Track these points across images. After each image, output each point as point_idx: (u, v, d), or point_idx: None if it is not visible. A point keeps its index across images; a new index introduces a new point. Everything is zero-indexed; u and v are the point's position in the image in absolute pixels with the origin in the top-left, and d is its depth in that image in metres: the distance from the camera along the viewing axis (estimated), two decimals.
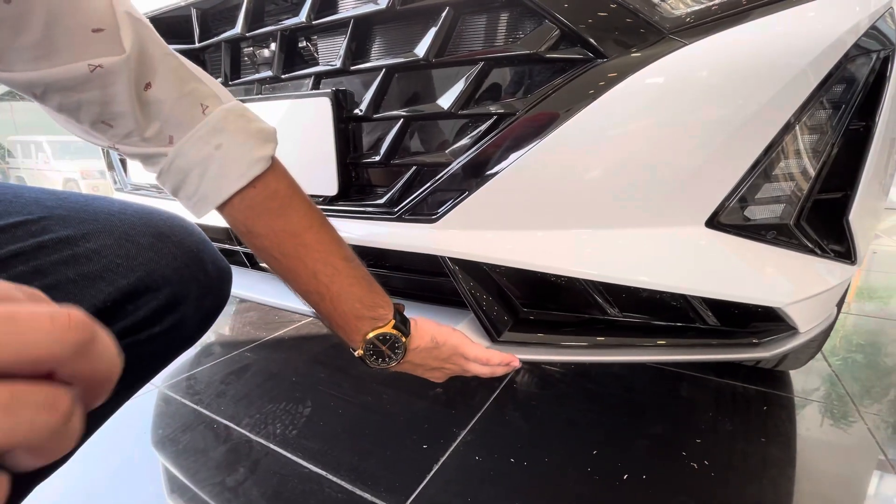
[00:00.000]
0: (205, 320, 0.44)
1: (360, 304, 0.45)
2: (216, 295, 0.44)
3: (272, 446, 0.76)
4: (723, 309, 0.54)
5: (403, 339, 0.46)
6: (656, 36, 0.47)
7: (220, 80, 0.67)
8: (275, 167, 0.41)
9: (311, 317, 0.60)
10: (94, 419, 0.42)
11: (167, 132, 0.38)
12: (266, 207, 0.41)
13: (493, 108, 0.50)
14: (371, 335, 0.45)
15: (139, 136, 0.38)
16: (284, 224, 0.42)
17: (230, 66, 0.66)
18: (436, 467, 0.71)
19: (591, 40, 0.47)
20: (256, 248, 0.42)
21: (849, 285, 0.72)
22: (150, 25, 0.38)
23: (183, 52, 0.70)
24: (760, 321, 0.56)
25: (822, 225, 0.54)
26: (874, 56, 0.49)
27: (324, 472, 0.70)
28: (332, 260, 0.43)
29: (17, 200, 0.37)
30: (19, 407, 0.13)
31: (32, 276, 0.34)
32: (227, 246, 0.77)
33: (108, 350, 0.16)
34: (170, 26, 0.71)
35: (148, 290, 0.38)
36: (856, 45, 0.48)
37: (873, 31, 0.49)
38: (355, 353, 0.47)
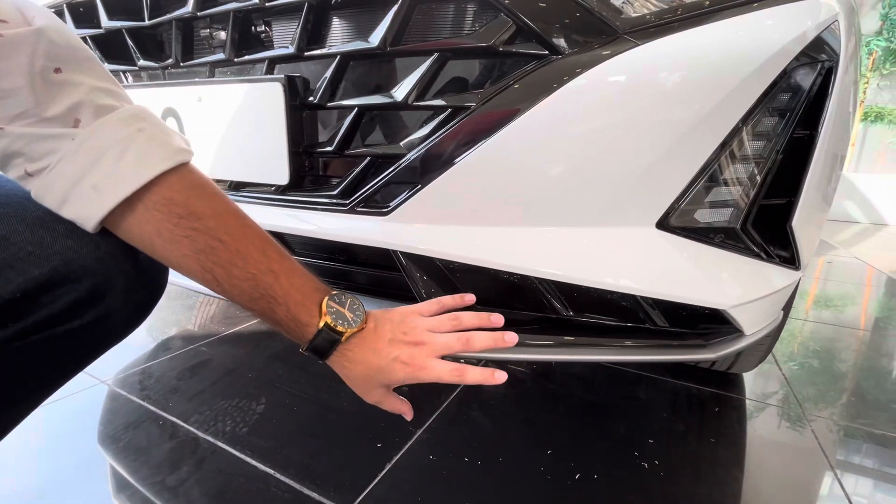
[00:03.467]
0: (135, 314, 0.41)
1: (309, 276, 0.42)
2: (148, 288, 0.41)
3: (220, 444, 0.74)
4: (671, 310, 0.55)
5: (358, 300, 0.44)
6: (610, 35, 0.47)
7: (170, 60, 0.64)
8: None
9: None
10: (11, 414, 0.40)
11: (74, 115, 0.33)
12: (206, 188, 0.38)
13: (447, 101, 0.49)
14: (326, 300, 0.42)
15: (37, 115, 0.32)
16: (226, 205, 0.39)
17: (182, 46, 0.63)
18: (388, 466, 0.70)
19: (546, 36, 0.46)
20: (197, 231, 0.36)
21: (796, 290, 0.74)
22: (67, 27, 0.35)
23: (132, 30, 0.68)
24: (707, 323, 0.57)
25: (767, 230, 0.55)
26: (819, 66, 0.51)
27: (272, 471, 0.68)
28: (271, 240, 0.41)
29: None
30: None
31: None
32: None
33: None
34: (119, 2, 0.68)
35: (65, 282, 0.34)
36: (801, 55, 0.49)
37: (819, 42, 0.51)
38: (318, 325, 0.41)
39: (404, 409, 0.49)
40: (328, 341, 0.42)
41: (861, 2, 4.04)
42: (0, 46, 0.30)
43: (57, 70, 0.33)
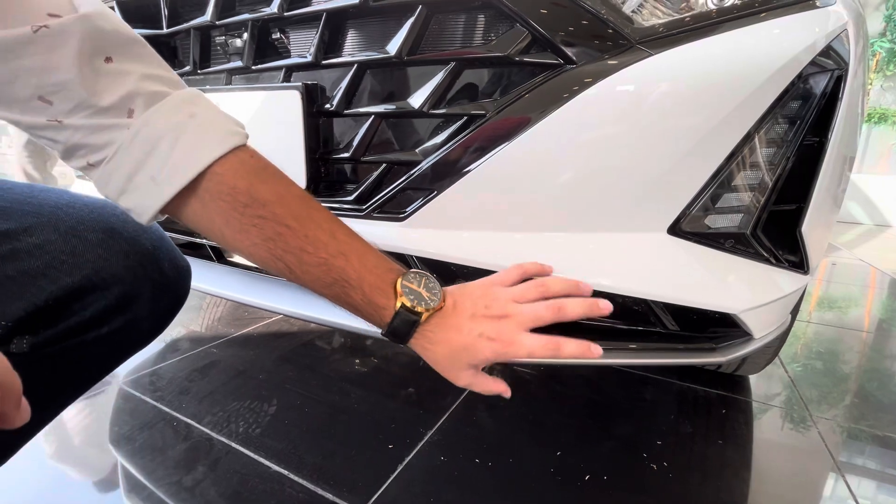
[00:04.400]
0: (160, 320, 0.43)
1: (381, 256, 0.40)
2: (172, 294, 0.42)
3: (234, 445, 0.75)
4: (682, 314, 0.56)
5: (433, 278, 0.40)
6: (623, 45, 0.48)
7: (188, 67, 0.65)
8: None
9: (280, 314, 0.57)
10: (40, 416, 0.41)
11: (128, 105, 0.32)
12: (267, 171, 0.36)
13: (462, 109, 0.50)
14: (400, 280, 0.39)
15: (92, 107, 0.31)
16: (289, 187, 0.37)
17: (199, 54, 0.64)
18: (400, 467, 0.70)
19: (561, 46, 0.47)
20: (264, 219, 0.35)
21: (803, 293, 0.75)
22: (118, 15, 0.34)
23: (150, 38, 0.68)
24: (717, 327, 0.58)
25: (777, 235, 0.56)
26: (829, 74, 0.52)
27: (286, 472, 0.69)
28: (337, 220, 0.39)
29: None
30: None
31: None
32: (192, 239, 0.75)
33: (2, 364, 0.17)
34: (138, 10, 0.69)
35: (96, 289, 0.36)
36: (811, 64, 0.50)
37: (829, 51, 0.51)
38: (395, 308, 0.38)
39: (500, 388, 0.43)
40: (407, 323, 0.38)
41: (865, 3, 4.04)
42: (48, 37, 0.29)
43: (108, 59, 0.32)
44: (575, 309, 0.40)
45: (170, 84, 0.35)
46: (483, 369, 0.42)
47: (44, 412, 0.40)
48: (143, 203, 0.34)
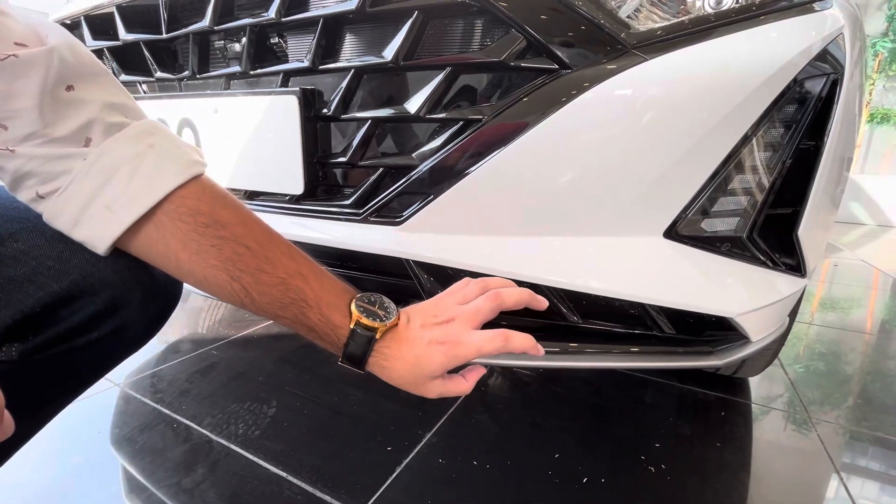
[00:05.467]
0: (151, 325, 0.42)
1: (336, 279, 0.41)
2: (164, 298, 0.41)
3: (233, 447, 0.75)
4: (678, 318, 0.56)
5: (387, 299, 0.41)
6: (619, 50, 0.48)
7: (187, 72, 0.66)
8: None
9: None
10: (33, 422, 0.41)
11: (86, 134, 0.32)
12: (228, 198, 0.37)
13: (458, 114, 0.51)
14: (355, 300, 0.40)
15: (45, 136, 0.31)
16: (249, 213, 0.38)
17: (198, 59, 0.64)
18: (398, 469, 0.71)
19: (556, 51, 0.47)
20: (223, 240, 0.35)
21: (801, 296, 0.75)
22: (81, 44, 0.34)
23: (150, 43, 0.69)
24: (714, 330, 0.58)
25: (774, 239, 0.56)
26: (825, 78, 0.52)
27: (284, 474, 0.69)
28: (295, 247, 0.40)
29: None
30: None
31: None
32: None
33: None
34: (137, 15, 0.69)
35: (84, 295, 0.35)
36: (807, 67, 0.50)
37: (825, 54, 0.52)
38: (350, 325, 0.39)
39: (473, 377, 0.43)
40: (364, 339, 0.39)
41: (867, 3, 4.02)
42: (13, 66, 0.30)
43: (69, 88, 0.32)
44: (512, 296, 0.40)
45: (131, 114, 0.35)
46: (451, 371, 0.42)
47: (34, 419, 0.40)
48: (97, 234, 0.34)
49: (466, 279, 0.44)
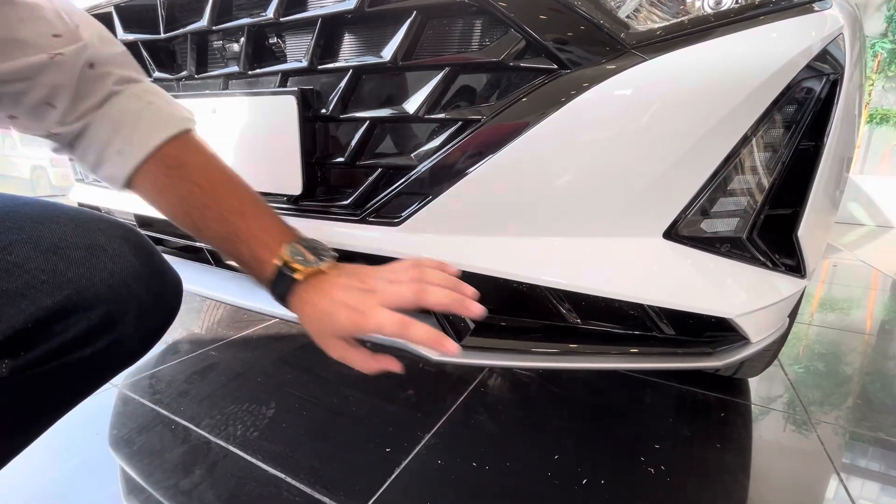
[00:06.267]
0: (147, 339, 0.42)
1: (281, 222, 0.44)
2: (161, 313, 0.41)
3: (231, 448, 0.75)
4: (678, 319, 0.55)
5: (332, 252, 0.44)
6: (618, 50, 0.48)
7: (185, 72, 0.66)
8: None
9: (278, 318, 0.56)
10: (26, 435, 0.40)
11: (106, 100, 0.42)
12: (201, 146, 0.44)
13: (457, 114, 0.50)
14: (291, 242, 0.42)
15: (76, 109, 0.40)
16: (215, 160, 0.45)
17: (197, 59, 0.64)
18: (397, 471, 0.70)
19: (555, 51, 0.47)
20: (181, 178, 0.42)
21: (801, 297, 0.75)
22: (103, 28, 0.43)
23: (148, 43, 0.69)
24: (714, 331, 0.58)
25: (774, 239, 0.56)
26: (824, 79, 0.51)
27: (283, 475, 0.69)
28: (256, 194, 0.45)
29: None
30: None
31: None
32: (189, 242, 0.75)
33: None
34: (136, 15, 0.69)
35: (78, 310, 0.34)
36: (807, 68, 0.50)
37: (825, 55, 0.51)
38: (274, 262, 0.42)
39: (382, 365, 0.43)
40: (284, 279, 0.41)
41: (866, 3, 4.03)
42: (60, 63, 0.38)
43: (92, 66, 0.40)
44: (437, 295, 0.40)
45: (136, 79, 0.44)
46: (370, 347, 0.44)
47: (25, 434, 0.39)
48: (115, 174, 0.42)
49: (412, 261, 0.44)
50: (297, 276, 0.41)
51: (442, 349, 0.38)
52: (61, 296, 0.34)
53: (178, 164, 0.42)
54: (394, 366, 0.43)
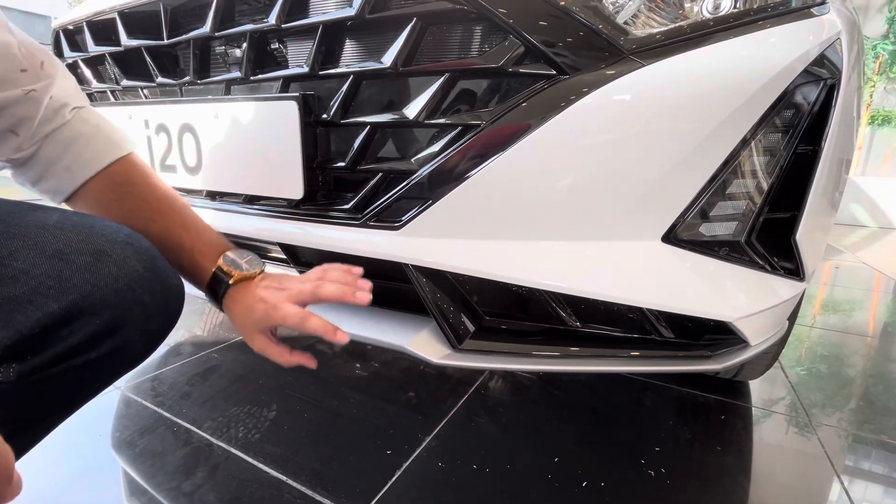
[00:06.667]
0: (151, 343, 0.42)
1: (219, 236, 0.51)
2: (164, 317, 0.42)
3: (233, 450, 0.75)
4: (677, 322, 0.56)
5: (260, 262, 0.51)
6: (616, 56, 0.48)
7: (188, 77, 0.66)
8: None
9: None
10: (29, 436, 0.41)
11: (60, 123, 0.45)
12: (145, 168, 0.50)
13: (457, 120, 0.51)
14: (227, 252, 0.49)
15: (38, 133, 0.44)
16: (157, 180, 0.50)
17: (199, 64, 0.65)
18: (398, 473, 0.71)
19: (554, 57, 0.48)
20: (130, 195, 0.48)
21: (801, 299, 0.75)
22: (59, 62, 0.47)
23: (151, 49, 0.70)
24: (713, 334, 0.58)
25: (772, 243, 0.56)
26: (822, 83, 0.52)
27: (284, 478, 0.69)
28: (193, 211, 0.51)
29: None
30: None
31: None
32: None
33: None
34: (139, 21, 0.70)
35: (83, 315, 0.35)
36: (804, 73, 0.50)
37: (822, 59, 0.52)
38: (212, 269, 0.48)
39: (297, 360, 0.49)
40: (219, 283, 0.48)
41: (867, 5, 4.02)
42: (33, 98, 0.42)
43: (50, 97, 0.44)
44: (329, 289, 0.46)
45: (81, 100, 0.48)
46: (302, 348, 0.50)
47: (30, 436, 0.40)
48: (59, 187, 0.46)
49: (323, 266, 0.50)
50: (230, 280, 0.48)
51: (335, 340, 0.45)
52: (67, 301, 0.34)
53: (126, 181, 0.47)
54: (309, 362, 0.50)
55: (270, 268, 0.75)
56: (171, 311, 0.43)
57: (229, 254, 0.49)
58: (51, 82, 0.43)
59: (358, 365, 1.05)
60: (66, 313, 0.35)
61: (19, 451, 0.40)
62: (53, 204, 0.45)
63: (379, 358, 1.08)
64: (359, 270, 0.49)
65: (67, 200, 0.48)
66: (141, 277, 0.38)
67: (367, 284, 0.47)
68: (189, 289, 0.49)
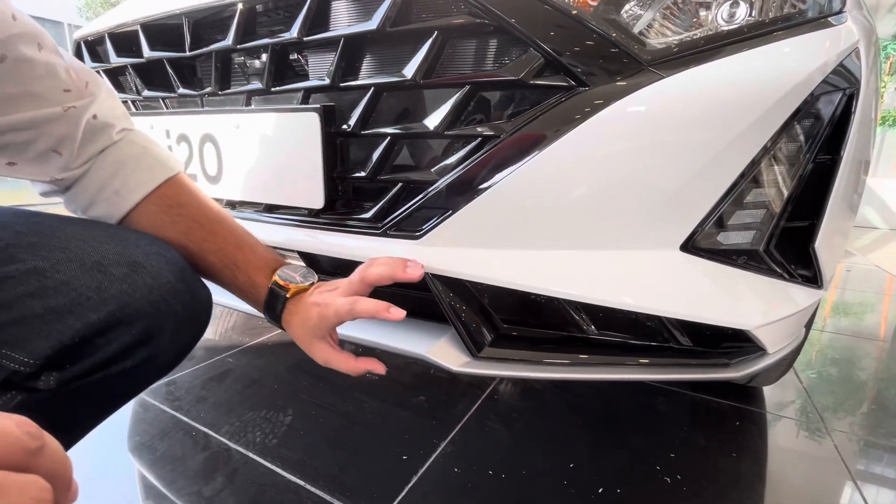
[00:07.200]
0: (181, 352, 0.43)
1: (271, 252, 0.52)
2: (194, 326, 0.43)
3: (251, 455, 0.76)
4: (695, 330, 0.56)
5: (313, 274, 0.52)
6: (635, 68, 0.49)
7: (209, 88, 0.67)
8: None
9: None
10: (63, 444, 0.42)
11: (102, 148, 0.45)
12: (193, 188, 0.49)
13: (477, 130, 0.52)
14: (281, 267, 0.50)
15: (80, 155, 0.43)
16: (207, 200, 0.50)
17: (221, 76, 0.66)
18: (415, 479, 0.71)
19: (574, 69, 0.48)
20: (181, 216, 0.47)
21: (817, 307, 0.75)
22: (105, 81, 0.47)
23: (174, 61, 0.71)
24: (731, 342, 0.58)
25: (790, 251, 0.56)
26: (841, 93, 0.52)
27: (302, 482, 0.70)
28: (245, 230, 0.51)
29: None
30: (9, 488, 0.17)
31: None
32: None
33: (57, 454, 0.22)
34: (162, 33, 0.71)
35: (120, 325, 0.36)
36: (824, 83, 0.50)
37: (841, 69, 0.52)
38: (268, 285, 0.49)
39: (366, 366, 0.49)
40: (276, 297, 0.48)
41: (877, 5, 3.99)
42: (72, 115, 0.41)
43: (94, 116, 0.44)
44: (375, 271, 0.48)
45: (129, 124, 0.48)
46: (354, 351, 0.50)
47: (64, 443, 0.41)
48: (111, 212, 0.45)
49: (369, 261, 0.51)
50: (287, 294, 0.48)
51: (390, 317, 0.46)
52: (105, 311, 0.36)
53: (176, 203, 0.47)
54: (377, 367, 0.50)
55: None
56: (200, 322, 0.44)
57: (284, 269, 0.49)
58: (92, 100, 0.43)
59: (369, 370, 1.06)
60: (105, 324, 0.36)
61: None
62: None
63: (391, 363, 1.09)
64: (408, 261, 0.50)
65: (126, 219, 0.47)
66: (174, 289, 0.40)
67: (414, 263, 0.49)
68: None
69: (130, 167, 0.45)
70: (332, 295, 0.48)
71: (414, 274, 0.48)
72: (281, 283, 0.48)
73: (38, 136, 0.40)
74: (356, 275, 0.48)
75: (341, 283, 0.49)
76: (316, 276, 0.51)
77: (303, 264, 0.52)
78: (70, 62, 0.42)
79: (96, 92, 0.44)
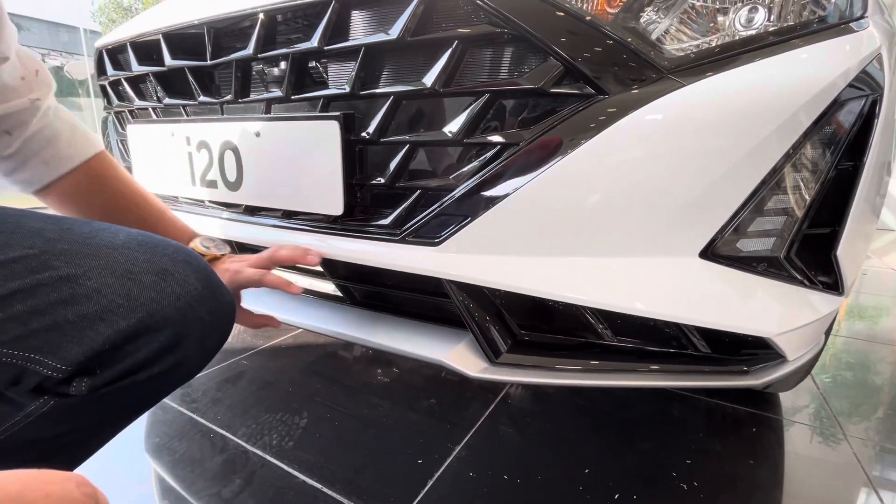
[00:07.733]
0: (206, 357, 0.44)
1: (185, 225, 0.60)
2: (218, 332, 0.44)
3: (268, 457, 0.77)
4: (714, 337, 0.56)
5: (227, 247, 0.61)
6: (656, 76, 0.49)
7: (229, 96, 0.68)
8: None
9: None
10: (87, 451, 0.43)
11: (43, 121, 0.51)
12: (117, 165, 0.57)
13: (496, 138, 0.52)
14: (199, 238, 0.59)
15: (26, 132, 0.49)
16: (126, 174, 0.57)
17: (241, 84, 0.67)
18: (430, 482, 0.72)
19: (593, 78, 0.48)
20: (107, 188, 0.55)
21: (837, 313, 0.74)
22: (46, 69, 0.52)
23: (195, 69, 0.72)
24: (750, 349, 0.58)
25: (811, 258, 0.56)
26: (864, 100, 0.52)
27: (319, 486, 0.71)
28: (163, 204, 0.60)
29: (19, 231, 0.37)
30: None
31: (30, 317, 0.34)
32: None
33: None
34: (183, 42, 0.72)
35: (149, 331, 0.37)
36: (847, 89, 0.50)
37: (863, 76, 0.52)
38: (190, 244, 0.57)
39: (258, 321, 0.61)
40: None
41: (892, 3, 3.93)
42: (35, 108, 0.48)
43: (38, 99, 0.49)
44: (284, 252, 0.58)
45: (52, 105, 0.53)
46: None
47: (92, 446, 0.43)
48: (34, 179, 0.51)
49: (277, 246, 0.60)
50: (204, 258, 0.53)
51: (289, 290, 0.56)
52: (135, 319, 0.36)
53: (102, 175, 0.55)
54: (273, 322, 0.62)
55: (304, 281, 0.78)
56: (224, 327, 0.45)
57: (201, 239, 0.58)
58: (50, 91, 0.49)
59: (380, 370, 1.07)
60: (134, 330, 0.37)
61: (80, 460, 0.43)
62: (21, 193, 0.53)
63: (402, 365, 1.09)
64: (309, 250, 0.59)
65: (40, 191, 0.53)
66: (200, 296, 0.40)
67: (317, 253, 0.58)
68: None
69: (64, 141, 0.51)
70: (242, 265, 0.56)
71: (313, 260, 0.58)
72: (199, 250, 0.56)
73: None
74: (266, 253, 0.57)
75: (251, 257, 0.58)
76: (228, 248, 0.60)
77: (218, 237, 0.61)
78: (18, 49, 0.46)
79: (49, 82, 0.49)
